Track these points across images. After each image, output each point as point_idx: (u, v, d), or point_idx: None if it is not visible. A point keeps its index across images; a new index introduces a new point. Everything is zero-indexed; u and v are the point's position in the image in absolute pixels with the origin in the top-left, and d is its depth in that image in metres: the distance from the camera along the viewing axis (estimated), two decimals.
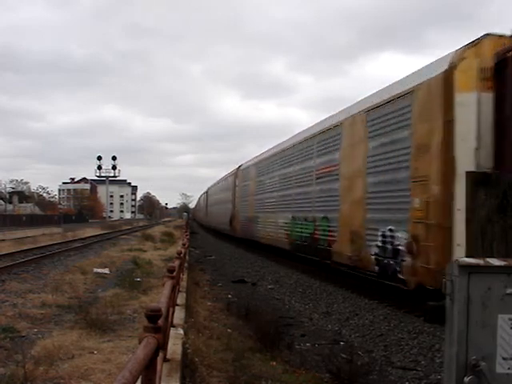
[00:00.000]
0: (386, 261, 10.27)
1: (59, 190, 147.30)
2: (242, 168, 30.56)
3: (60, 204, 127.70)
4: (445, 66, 8.70)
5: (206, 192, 60.16)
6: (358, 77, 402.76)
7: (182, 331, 6.12)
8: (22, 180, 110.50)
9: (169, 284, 4.92)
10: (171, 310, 5.66)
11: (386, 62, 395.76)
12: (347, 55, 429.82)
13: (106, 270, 15.55)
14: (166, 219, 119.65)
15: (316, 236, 14.81)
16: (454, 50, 8.82)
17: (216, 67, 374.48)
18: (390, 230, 10.09)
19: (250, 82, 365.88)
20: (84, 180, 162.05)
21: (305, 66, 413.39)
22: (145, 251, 23.83)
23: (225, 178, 39.47)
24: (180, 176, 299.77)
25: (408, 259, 9.35)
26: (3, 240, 29.09)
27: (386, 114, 10.65)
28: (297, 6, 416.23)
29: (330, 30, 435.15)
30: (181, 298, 8.45)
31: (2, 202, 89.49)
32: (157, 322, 2.70)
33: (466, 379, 2.13)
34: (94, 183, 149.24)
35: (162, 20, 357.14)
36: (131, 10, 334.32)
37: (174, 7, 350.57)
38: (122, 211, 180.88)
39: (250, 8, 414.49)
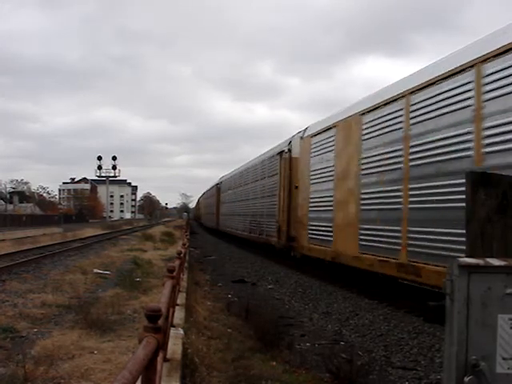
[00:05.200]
0: None
1: (59, 190, 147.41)
2: (316, 130, 15.87)
3: (60, 204, 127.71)
4: None
5: (217, 185, 43.13)
6: (345, 79, 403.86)
7: (182, 331, 6.12)
8: (22, 180, 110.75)
9: (169, 284, 4.92)
10: (171, 309, 5.66)
11: (371, 64, 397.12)
12: (334, 58, 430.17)
13: (107, 272, 15.56)
14: (166, 219, 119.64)
15: None
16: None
17: (206, 70, 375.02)
18: None
19: (240, 84, 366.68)
20: (84, 180, 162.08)
21: (293, 69, 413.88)
22: (145, 251, 23.84)
23: (267, 158, 22.36)
24: (178, 176, 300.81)
25: None
26: (3, 240, 29.10)
27: None
28: (284, 10, 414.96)
29: (317, 34, 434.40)
30: (181, 298, 8.45)
31: (3, 202, 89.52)
32: (157, 322, 2.70)
33: (466, 379, 2.13)
34: (94, 183, 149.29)
35: (153, 24, 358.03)
36: (123, 15, 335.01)
37: (166, 13, 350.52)
38: (122, 211, 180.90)
39: (238, 12, 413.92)
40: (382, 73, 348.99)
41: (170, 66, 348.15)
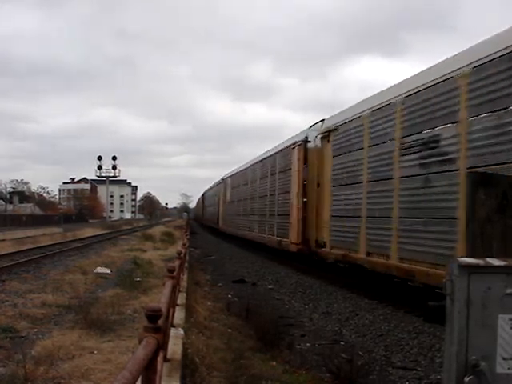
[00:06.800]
0: None
1: (59, 190, 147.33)
2: None
3: (60, 204, 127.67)
4: None
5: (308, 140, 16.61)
6: (343, 79, 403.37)
7: (182, 331, 6.12)
8: (22, 180, 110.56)
9: (169, 284, 4.92)
10: (171, 309, 5.66)
11: (367, 64, 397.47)
12: (332, 59, 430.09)
13: (107, 270, 15.57)
14: (166, 219, 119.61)
15: None
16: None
17: (205, 70, 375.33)
18: None
19: (239, 84, 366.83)
20: (84, 180, 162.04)
21: (292, 69, 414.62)
22: (145, 251, 23.83)
23: None
24: (178, 176, 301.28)
25: None
26: (3, 240, 29.09)
27: None
28: (280, 11, 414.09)
29: (315, 34, 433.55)
30: (181, 298, 8.45)
31: (3, 202, 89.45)
32: (157, 322, 2.70)
33: (466, 379, 2.13)
34: (94, 183, 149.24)
35: (152, 25, 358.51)
36: (121, 16, 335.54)
37: (162, 14, 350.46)
38: (122, 211, 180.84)
39: (236, 12, 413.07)
40: (378, 74, 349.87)
41: (169, 67, 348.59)
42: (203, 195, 65.74)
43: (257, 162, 25.63)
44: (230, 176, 35.45)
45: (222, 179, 39.42)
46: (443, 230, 8.83)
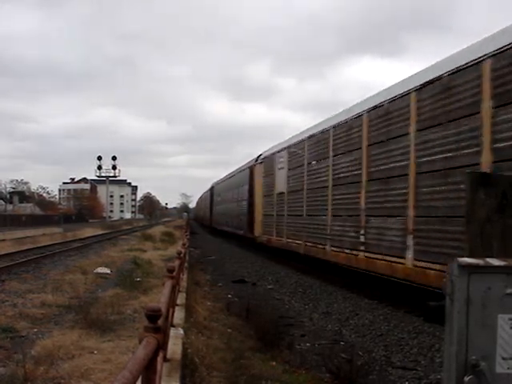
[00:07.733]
0: None
1: (59, 190, 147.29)
2: None
3: (60, 204, 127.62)
4: None
5: None
6: (342, 80, 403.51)
7: (182, 331, 6.12)
8: (22, 180, 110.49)
9: (169, 284, 4.92)
10: (171, 309, 5.66)
11: (367, 65, 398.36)
12: (330, 59, 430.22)
13: (107, 270, 15.58)
14: (166, 219, 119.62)
15: None
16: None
17: (204, 70, 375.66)
18: None
19: (237, 84, 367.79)
20: (84, 180, 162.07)
21: (292, 70, 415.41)
22: (145, 251, 23.84)
23: None
24: (178, 176, 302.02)
25: None
26: (3, 240, 29.09)
27: None
28: (280, 11, 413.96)
29: (314, 35, 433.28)
30: (181, 298, 8.46)
31: (3, 202, 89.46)
32: (157, 322, 2.70)
33: (466, 379, 2.13)
34: (93, 183, 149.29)
35: (151, 25, 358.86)
36: (121, 17, 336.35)
37: (163, 13, 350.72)
38: (122, 211, 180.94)
39: (235, 13, 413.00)
40: (378, 74, 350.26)
41: (169, 67, 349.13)
42: (211, 189, 52.00)
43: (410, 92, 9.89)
44: (285, 148, 19.80)
45: (259, 159, 25.05)
46: None
